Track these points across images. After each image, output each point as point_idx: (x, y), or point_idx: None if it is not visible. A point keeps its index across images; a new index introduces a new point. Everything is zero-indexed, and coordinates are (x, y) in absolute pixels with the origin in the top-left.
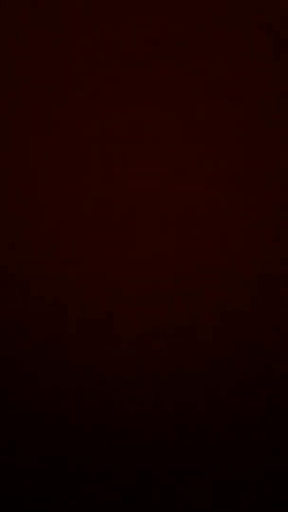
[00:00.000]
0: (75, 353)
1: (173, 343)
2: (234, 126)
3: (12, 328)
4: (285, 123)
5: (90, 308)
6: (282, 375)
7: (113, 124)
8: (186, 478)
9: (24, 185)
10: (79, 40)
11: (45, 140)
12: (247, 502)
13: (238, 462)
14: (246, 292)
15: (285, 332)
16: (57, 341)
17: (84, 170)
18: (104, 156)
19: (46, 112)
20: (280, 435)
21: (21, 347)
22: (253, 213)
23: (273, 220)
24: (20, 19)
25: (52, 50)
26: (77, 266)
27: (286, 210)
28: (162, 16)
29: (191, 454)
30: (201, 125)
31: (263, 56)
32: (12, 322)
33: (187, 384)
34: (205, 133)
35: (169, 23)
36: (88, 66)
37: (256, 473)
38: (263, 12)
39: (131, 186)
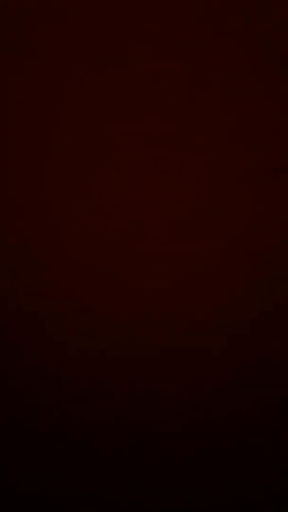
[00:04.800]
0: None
1: (173, 347)
2: (234, 127)
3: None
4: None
5: (90, 311)
6: (283, 379)
7: (115, 124)
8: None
9: (27, 186)
10: (80, 41)
11: (46, 143)
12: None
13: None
14: (247, 294)
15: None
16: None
17: (86, 171)
18: (106, 157)
19: (47, 114)
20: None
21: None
22: (255, 215)
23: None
24: (20, 21)
25: (53, 51)
26: (77, 269)
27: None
28: (161, 19)
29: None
30: (201, 126)
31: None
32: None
33: (187, 388)
34: (206, 135)
35: (167, 24)
36: (88, 69)
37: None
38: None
39: (132, 190)
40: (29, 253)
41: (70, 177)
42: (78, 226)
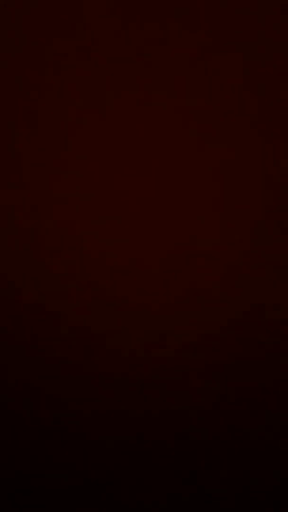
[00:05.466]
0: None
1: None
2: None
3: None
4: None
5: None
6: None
7: (114, 123)
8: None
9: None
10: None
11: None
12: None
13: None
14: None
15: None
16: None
17: (84, 171)
18: (104, 156)
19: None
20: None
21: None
22: (252, 215)
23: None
24: (21, 19)
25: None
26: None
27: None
28: (157, 18)
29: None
30: (199, 124)
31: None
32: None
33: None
34: (204, 132)
35: (164, 24)
36: (87, 67)
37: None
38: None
39: (128, 189)
40: (31, 246)
41: (73, 173)
42: (79, 216)
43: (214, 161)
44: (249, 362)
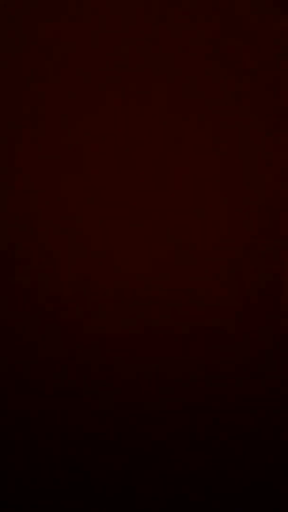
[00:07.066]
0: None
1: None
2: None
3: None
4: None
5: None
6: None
7: (114, 124)
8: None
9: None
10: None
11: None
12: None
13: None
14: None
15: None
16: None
17: (82, 171)
18: (101, 157)
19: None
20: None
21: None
22: (250, 217)
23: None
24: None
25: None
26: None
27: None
28: (153, 23)
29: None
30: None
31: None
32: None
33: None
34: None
35: (161, 30)
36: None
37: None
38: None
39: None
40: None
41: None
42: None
43: (214, 161)
44: (249, 361)
